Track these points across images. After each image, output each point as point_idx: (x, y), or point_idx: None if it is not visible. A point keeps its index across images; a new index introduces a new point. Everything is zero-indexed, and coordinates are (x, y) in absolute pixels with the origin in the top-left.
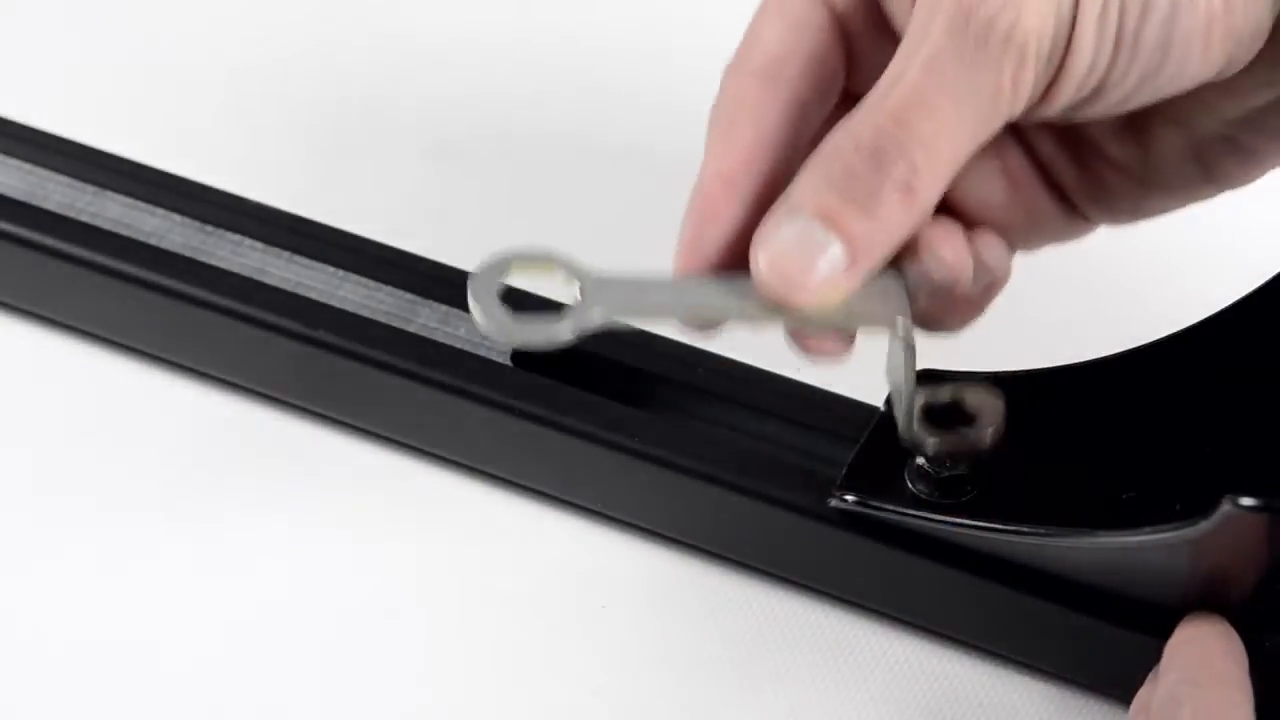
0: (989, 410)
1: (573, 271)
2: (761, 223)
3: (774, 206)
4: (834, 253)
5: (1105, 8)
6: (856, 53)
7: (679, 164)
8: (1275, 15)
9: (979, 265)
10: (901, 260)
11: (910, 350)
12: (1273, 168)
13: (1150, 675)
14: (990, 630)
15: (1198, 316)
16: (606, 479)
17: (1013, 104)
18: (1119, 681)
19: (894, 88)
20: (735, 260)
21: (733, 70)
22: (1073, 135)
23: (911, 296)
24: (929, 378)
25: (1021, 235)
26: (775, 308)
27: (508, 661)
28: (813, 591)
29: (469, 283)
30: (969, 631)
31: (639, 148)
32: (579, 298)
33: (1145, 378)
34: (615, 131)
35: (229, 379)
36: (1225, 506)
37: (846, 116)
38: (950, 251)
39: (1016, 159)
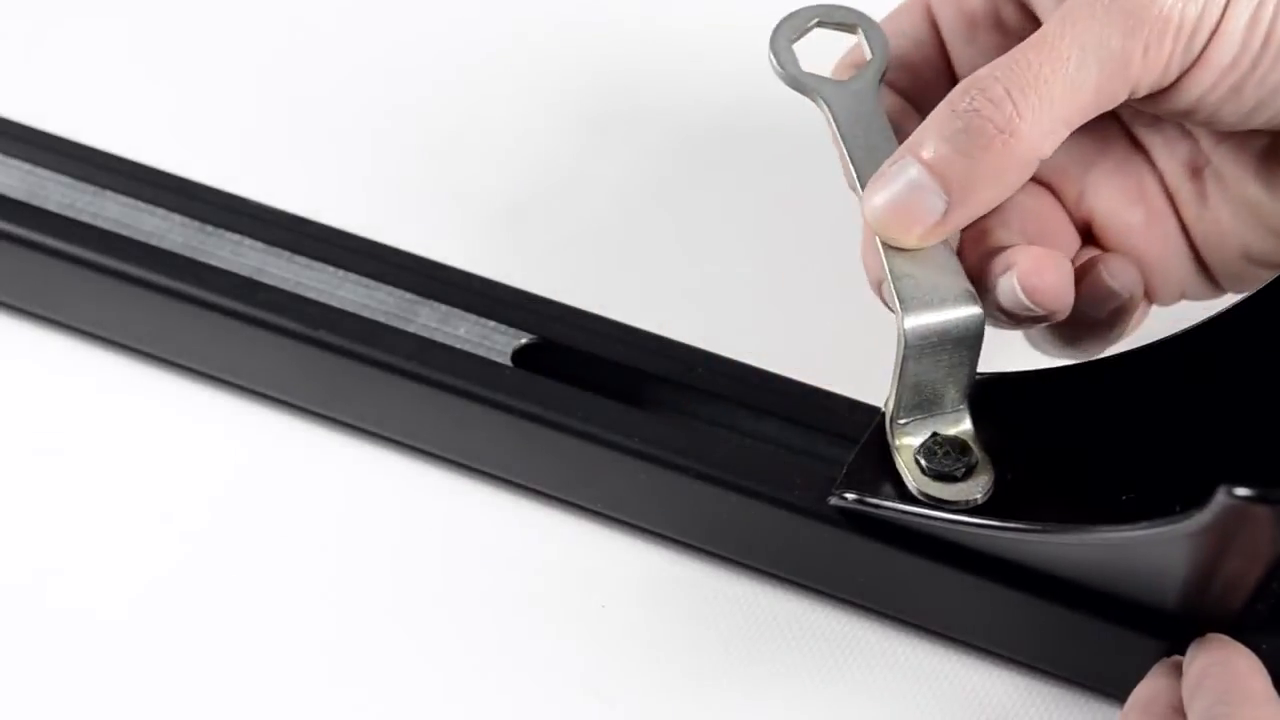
0: (984, 474)
1: (868, 31)
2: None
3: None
4: (933, 198)
5: (1261, 5)
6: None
7: (687, 153)
8: None
9: (1101, 289)
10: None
11: (910, 348)
12: None
13: (1149, 675)
14: (990, 630)
15: (1198, 317)
16: (606, 479)
17: (1141, 75)
18: (1119, 681)
19: (1025, 40)
20: None
21: None
22: (1203, 167)
23: (1009, 312)
24: None
25: (1158, 275)
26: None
27: (508, 661)
28: (812, 591)
29: (775, 30)
30: (968, 631)
31: (642, 138)
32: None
33: (1146, 378)
34: (617, 123)
35: (229, 379)
36: (1221, 497)
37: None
38: (1041, 277)
39: (1152, 186)
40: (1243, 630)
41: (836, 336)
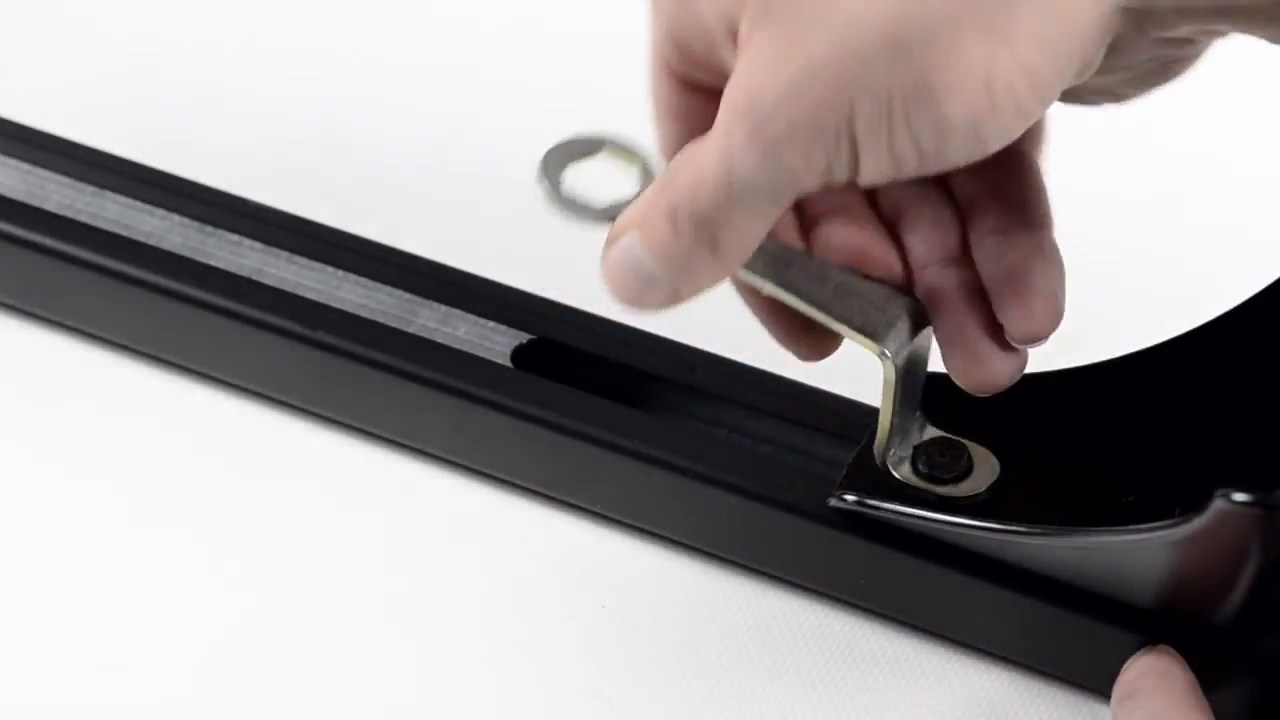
0: (983, 468)
1: (647, 171)
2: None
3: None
4: (659, 287)
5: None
6: None
7: None
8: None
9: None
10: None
11: (895, 372)
12: None
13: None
14: (989, 630)
15: (1199, 320)
16: (605, 479)
17: (809, 184)
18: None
19: (696, 174)
20: None
21: None
22: None
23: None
24: (934, 379)
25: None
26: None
27: (508, 661)
28: (811, 592)
29: (546, 154)
30: (968, 632)
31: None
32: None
33: (1148, 381)
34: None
35: (229, 379)
36: (1219, 502)
37: (681, 159)
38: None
39: None
40: (1242, 633)
41: None
